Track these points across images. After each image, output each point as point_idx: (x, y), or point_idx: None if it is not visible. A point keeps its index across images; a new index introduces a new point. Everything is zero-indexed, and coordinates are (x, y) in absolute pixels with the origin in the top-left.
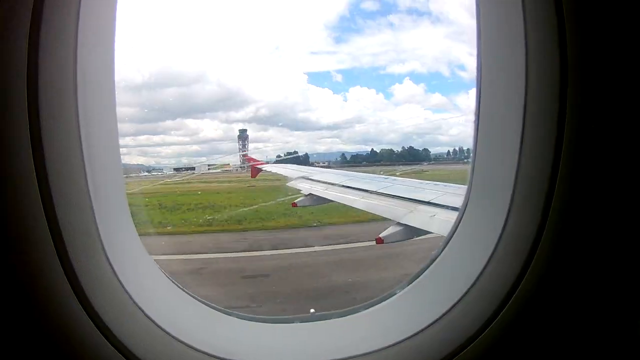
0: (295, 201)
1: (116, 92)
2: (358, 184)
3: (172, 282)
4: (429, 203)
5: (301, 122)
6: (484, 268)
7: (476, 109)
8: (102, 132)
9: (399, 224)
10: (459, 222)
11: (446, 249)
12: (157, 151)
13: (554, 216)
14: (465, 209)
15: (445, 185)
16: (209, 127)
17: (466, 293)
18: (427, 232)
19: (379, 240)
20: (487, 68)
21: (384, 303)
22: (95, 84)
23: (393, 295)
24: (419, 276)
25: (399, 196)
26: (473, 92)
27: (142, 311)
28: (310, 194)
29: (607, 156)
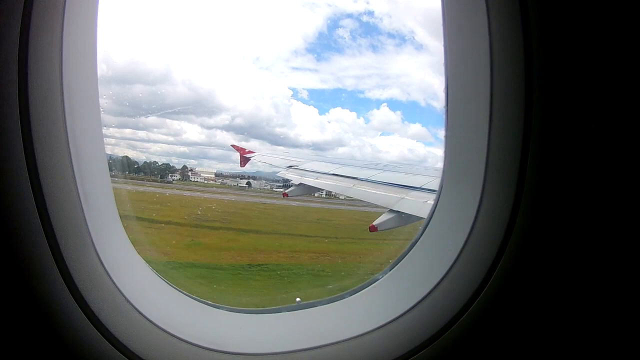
0: (286, 191)
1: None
2: (348, 172)
3: (161, 278)
4: (420, 189)
5: (279, 137)
6: (463, 247)
7: (445, 100)
8: (87, 131)
9: (391, 211)
10: (436, 206)
11: (425, 232)
12: (146, 147)
13: (528, 194)
14: (440, 193)
15: (437, 170)
16: (192, 130)
17: (448, 272)
18: (420, 218)
19: (373, 229)
20: (453, 67)
21: (368, 288)
22: (80, 85)
23: (377, 280)
24: (401, 260)
25: (390, 183)
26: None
27: (134, 307)
28: (300, 184)
29: (574, 143)
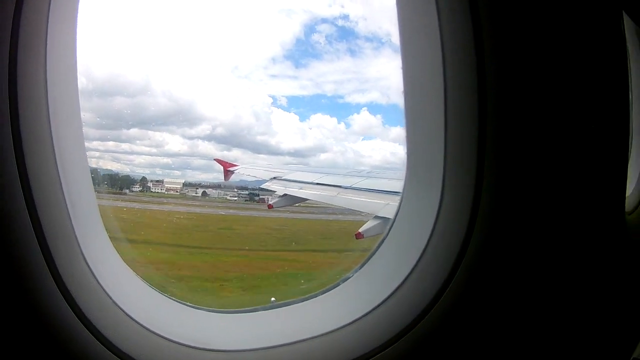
0: (271, 202)
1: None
2: (332, 180)
3: (144, 282)
4: None
5: (261, 146)
6: (428, 242)
7: (404, 100)
8: (72, 145)
9: (377, 217)
10: (400, 204)
11: (391, 230)
12: (130, 159)
13: (487, 187)
14: (404, 192)
15: None
16: (174, 141)
17: (414, 267)
18: None
19: (359, 236)
20: (408, 68)
21: (339, 286)
22: (63, 103)
23: (348, 278)
24: (370, 258)
25: (374, 189)
26: None
27: (120, 307)
28: (285, 195)
29: (529, 136)
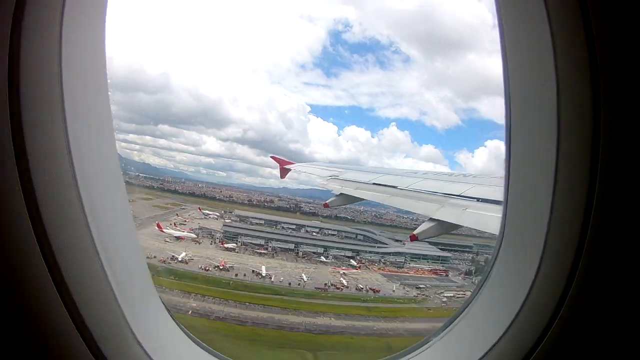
0: (327, 201)
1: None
2: (388, 180)
3: (188, 335)
4: (459, 196)
5: (294, 154)
6: (521, 306)
7: (506, 144)
8: (99, 161)
9: (431, 219)
10: (492, 267)
11: (480, 294)
12: (171, 155)
13: (585, 265)
14: (497, 255)
15: (475, 177)
16: (210, 141)
17: (508, 329)
18: (459, 226)
19: (413, 237)
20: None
21: (426, 351)
22: (84, 91)
23: (429, 342)
24: (453, 322)
25: (429, 191)
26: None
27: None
28: (341, 194)
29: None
